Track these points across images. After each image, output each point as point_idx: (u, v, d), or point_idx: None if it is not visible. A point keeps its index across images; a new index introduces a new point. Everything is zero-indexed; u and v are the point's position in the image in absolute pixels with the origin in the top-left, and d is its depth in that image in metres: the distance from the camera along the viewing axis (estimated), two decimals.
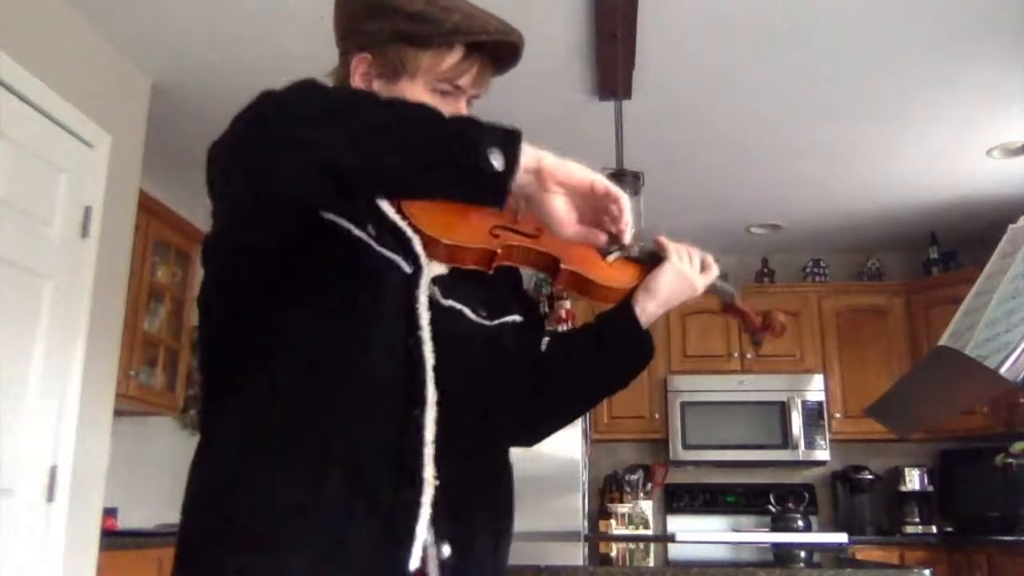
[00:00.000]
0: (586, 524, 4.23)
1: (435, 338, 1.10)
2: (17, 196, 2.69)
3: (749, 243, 5.40)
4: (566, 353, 1.29)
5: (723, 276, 1.39)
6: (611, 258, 1.11)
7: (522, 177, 0.95)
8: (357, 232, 1.07)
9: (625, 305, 1.25)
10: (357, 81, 1.14)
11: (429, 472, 1.03)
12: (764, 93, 3.57)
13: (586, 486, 4.29)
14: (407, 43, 1.11)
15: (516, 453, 1.29)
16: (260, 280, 1.07)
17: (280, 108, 0.97)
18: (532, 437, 1.32)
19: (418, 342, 1.08)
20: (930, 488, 5.02)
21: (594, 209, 1.01)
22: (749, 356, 5.18)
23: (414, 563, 1.01)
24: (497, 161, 0.92)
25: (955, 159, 4.18)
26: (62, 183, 2.92)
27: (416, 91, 1.12)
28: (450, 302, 1.14)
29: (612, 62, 3.22)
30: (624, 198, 1.01)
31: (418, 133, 0.95)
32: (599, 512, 5.04)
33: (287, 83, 1.00)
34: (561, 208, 0.99)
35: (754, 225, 5.17)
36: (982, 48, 3.19)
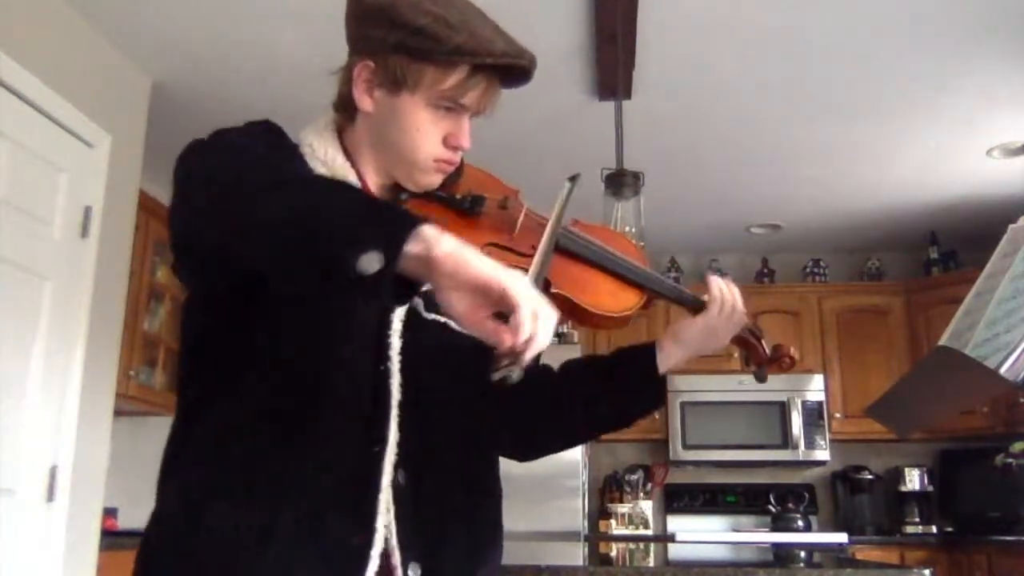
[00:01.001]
0: (586, 524, 4.23)
1: (418, 352, 1.08)
2: (17, 196, 2.69)
3: (749, 243, 5.40)
4: (574, 383, 1.27)
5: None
6: (495, 376, 0.90)
7: (411, 266, 0.84)
8: None
9: (647, 350, 1.23)
10: (359, 88, 1.12)
11: (381, 520, 1.01)
12: (764, 93, 3.57)
13: (586, 486, 4.29)
14: (410, 57, 1.07)
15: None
16: (229, 306, 1.06)
17: (192, 185, 0.99)
18: (524, 455, 1.30)
19: (386, 373, 1.06)
20: (930, 488, 5.01)
21: (502, 307, 0.86)
22: None
23: None
24: (372, 264, 0.81)
25: (955, 159, 4.18)
26: (62, 183, 2.92)
27: (416, 106, 1.09)
28: (432, 315, 1.11)
29: (612, 62, 3.21)
30: (527, 306, 0.83)
31: (298, 235, 0.88)
32: (599, 512, 5.03)
33: (212, 137, 1.03)
34: (457, 301, 0.86)
35: (754, 225, 5.17)
36: (982, 48, 3.19)
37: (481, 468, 1.18)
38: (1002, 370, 1.04)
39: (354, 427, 1.03)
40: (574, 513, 4.10)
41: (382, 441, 1.03)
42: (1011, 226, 1.19)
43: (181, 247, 1.04)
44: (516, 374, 0.88)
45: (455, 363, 1.13)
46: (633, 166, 2.99)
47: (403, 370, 1.07)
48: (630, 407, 1.26)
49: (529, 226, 1.16)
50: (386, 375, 1.06)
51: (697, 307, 1.26)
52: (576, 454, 4.14)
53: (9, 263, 2.66)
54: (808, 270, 5.47)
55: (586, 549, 3.94)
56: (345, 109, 1.16)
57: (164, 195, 4.10)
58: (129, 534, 3.60)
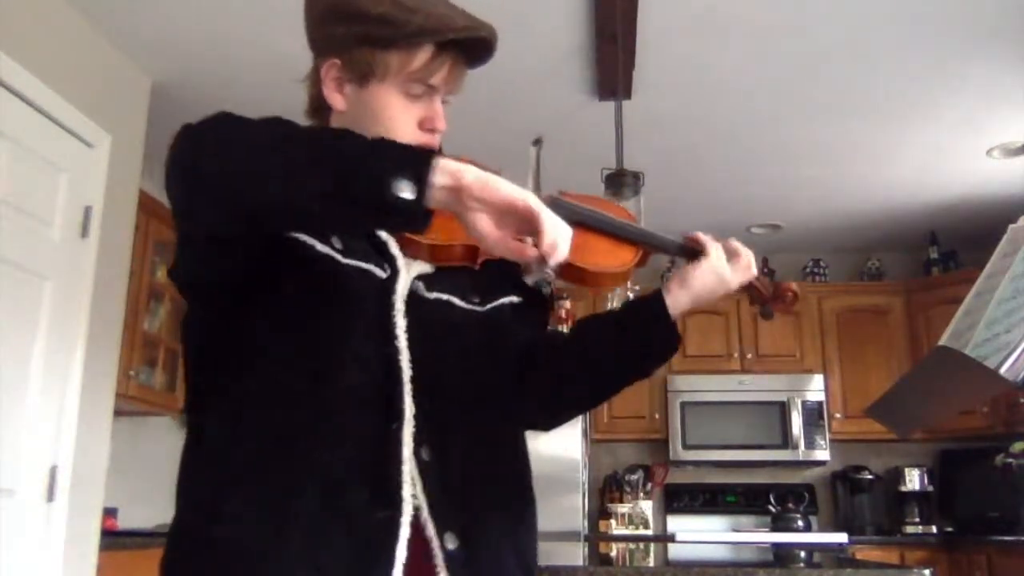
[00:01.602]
0: (586, 524, 4.23)
1: (425, 332, 1.09)
2: (17, 196, 2.69)
3: (749, 243, 5.26)
4: (590, 339, 1.27)
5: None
6: (529, 280, 1.05)
7: (441, 196, 0.91)
8: (321, 247, 1.06)
9: (656, 296, 1.23)
10: (329, 87, 1.14)
11: (407, 491, 1.02)
12: (764, 93, 3.57)
13: (586, 486, 4.28)
14: (373, 46, 1.10)
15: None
16: (227, 306, 1.07)
17: (193, 157, 0.96)
18: (549, 422, 1.30)
19: (394, 353, 1.07)
20: (930, 488, 5.01)
21: (523, 226, 0.95)
22: (749, 356, 5.18)
23: None
24: (407, 191, 0.88)
25: (955, 159, 4.18)
26: (62, 183, 2.92)
27: (387, 93, 1.11)
28: (435, 294, 1.13)
29: (612, 62, 3.21)
30: (545, 217, 0.93)
31: (324, 171, 0.91)
32: (599, 512, 5.04)
33: (206, 119, 1.00)
34: (482, 223, 0.93)
35: (754, 225, 5.18)
36: (982, 48, 3.19)
37: (506, 437, 1.18)
38: (1002, 370, 1.04)
39: (368, 408, 1.04)
40: (574, 513, 4.09)
41: (399, 418, 1.04)
42: (1011, 226, 1.19)
43: (200, 228, 1.02)
44: (550, 277, 1.01)
45: (462, 338, 1.14)
46: (633, 166, 3.00)
47: (412, 349, 1.08)
48: (647, 355, 1.26)
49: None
50: (395, 354, 1.07)
51: (693, 254, 1.26)
52: (576, 454, 4.13)
53: (9, 263, 2.66)
54: (808, 270, 5.47)
55: (586, 549, 3.94)
56: (317, 112, 1.18)
57: (164, 195, 4.09)
58: (129, 534, 3.60)
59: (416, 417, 1.05)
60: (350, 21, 1.10)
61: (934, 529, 4.92)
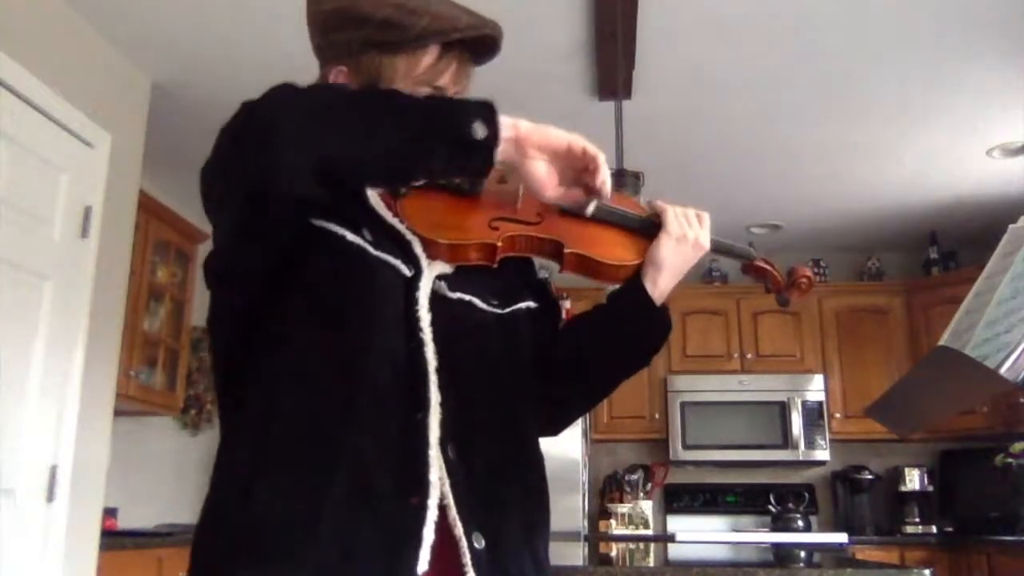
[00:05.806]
0: (586, 524, 4.23)
1: (446, 331, 1.09)
2: (17, 196, 2.69)
3: (749, 243, 5.39)
4: (579, 337, 1.27)
5: (750, 244, 1.36)
6: (590, 209, 1.14)
7: (505, 146, 1.00)
8: (352, 237, 1.07)
9: (634, 280, 1.21)
10: None
11: (435, 474, 1.02)
12: (764, 93, 3.57)
13: (586, 486, 4.29)
14: (379, 51, 1.11)
15: None
16: (259, 295, 1.08)
17: (265, 115, 0.98)
18: (553, 427, 1.30)
19: (419, 346, 1.07)
20: (930, 488, 5.02)
21: (573, 169, 1.07)
22: (749, 356, 5.18)
23: (422, 566, 0.99)
24: (480, 131, 0.97)
25: (955, 159, 4.18)
26: (62, 183, 2.92)
27: None
28: (458, 294, 1.13)
29: (612, 62, 3.22)
30: (601, 156, 1.06)
31: (401, 117, 0.99)
32: (599, 512, 5.03)
33: (265, 91, 1.01)
34: (541, 172, 1.04)
35: (754, 225, 5.17)
36: (982, 48, 3.19)
37: (525, 436, 1.18)
38: (1002, 370, 1.04)
39: (395, 398, 1.04)
40: (574, 513, 4.10)
41: (424, 407, 1.05)
42: (1011, 226, 1.19)
43: (267, 197, 0.98)
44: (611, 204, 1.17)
45: (482, 339, 1.14)
46: (633, 166, 2.99)
47: (435, 346, 1.08)
48: (638, 342, 1.25)
49: (530, 195, 1.16)
50: (419, 347, 1.07)
51: (657, 227, 1.23)
52: (576, 454, 4.14)
53: (9, 263, 2.66)
54: None
55: (586, 549, 3.94)
56: None
57: (164, 195, 4.10)
58: (129, 534, 3.60)
59: (441, 408, 1.05)
60: (354, 26, 1.11)
61: (934, 529, 4.92)
